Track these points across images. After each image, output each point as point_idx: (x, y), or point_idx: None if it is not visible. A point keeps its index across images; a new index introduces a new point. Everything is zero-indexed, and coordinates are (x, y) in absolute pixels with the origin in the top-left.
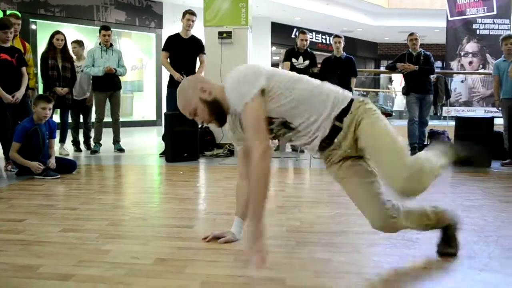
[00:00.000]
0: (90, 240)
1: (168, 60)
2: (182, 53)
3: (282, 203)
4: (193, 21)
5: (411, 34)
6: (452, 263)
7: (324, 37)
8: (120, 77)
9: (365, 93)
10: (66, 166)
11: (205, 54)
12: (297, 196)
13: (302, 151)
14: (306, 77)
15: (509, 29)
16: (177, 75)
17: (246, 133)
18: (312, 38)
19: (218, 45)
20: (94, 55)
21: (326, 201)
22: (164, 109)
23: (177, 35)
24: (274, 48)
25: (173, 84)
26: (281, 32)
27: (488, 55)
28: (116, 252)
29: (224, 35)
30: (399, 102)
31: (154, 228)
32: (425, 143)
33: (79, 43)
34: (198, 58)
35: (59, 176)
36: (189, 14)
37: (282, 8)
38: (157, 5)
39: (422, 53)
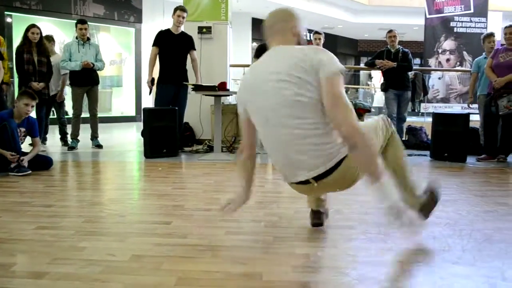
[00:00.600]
0: (66, 238)
1: (157, 56)
2: (173, 49)
3: (261, 198)
4: (183, 17)
5: (390, 31)
6: (427, 256)
7: (304, 33)
8: (98, 72)
9: (345, 89)
10: (41, 163)
11: (195, 50)
12: (276, 192)
13: None
14: None
15: (486, 28)
16: (148, 79)
17: (334, 100)
18: None
19: (197, 40)
20: (71, 50)
21: (304, 197)
22: (143, 105)
23: (168, 30)
24: (254, 43)
25: (163, 80)
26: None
27: (465, 53)
28: (92, 249)
29: (204, 30)
30: (379, 99)
31: (131, 225)
32: (403, 139)
33: (48, 39)
34: (189, 55)
35: (30, 172)
36: (179, 10)
37: (263, 4)
38: None
39: (401, 50)
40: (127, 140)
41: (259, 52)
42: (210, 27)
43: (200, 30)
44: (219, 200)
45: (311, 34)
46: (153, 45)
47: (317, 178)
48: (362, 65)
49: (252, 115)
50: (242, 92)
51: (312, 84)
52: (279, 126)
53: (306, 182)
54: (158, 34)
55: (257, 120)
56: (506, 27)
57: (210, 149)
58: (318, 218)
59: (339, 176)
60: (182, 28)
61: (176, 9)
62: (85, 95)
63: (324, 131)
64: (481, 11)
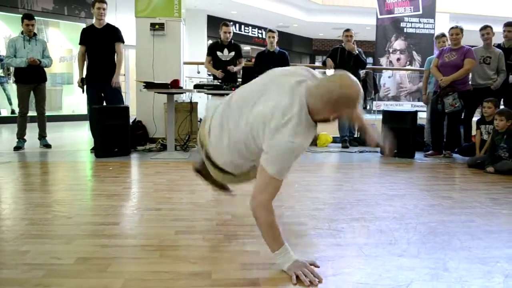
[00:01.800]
0: (8, 242)
1: (86, 55)
2: (98, 44)
3: (213, 197)
4: (104, 9)
5: (347, 30)
6: (374, 250)
7: (260, 31)
8: (46, 69)
9: None
10: None
11: (123, 42)
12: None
13: None
14: None
15: (434, 28)
16: (78, 79)
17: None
18: (248, 32)
19: (150, 37)
20: (16, 45)
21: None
22: None
23: (91, 26)
24: (210, 41)
25: (90, 79)
26: (217, 26)
27: (414, 52)
28: (36, 253)
29: (157, 26)
30: None
31: (78, 227)
32: (355, 136)
33: None
34: (115, 48)
35: None
36: (98, 2)
37: (218, 1)
38: None
39: (355, 49)
40: (78, 139)
41: (211, 49)
42: (163, 24)
43: (153, 26)
44: (171, 200)
45: (266, 32)
46: (79, 44)
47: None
48: (317, 64)
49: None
50: None
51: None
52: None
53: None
54: (82, 32)
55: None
56: (451, 28)
57: (164, 147)
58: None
59: None
60: (106, 21)
61: (94, 2)
62: (31, 93)
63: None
64: (429, 12)
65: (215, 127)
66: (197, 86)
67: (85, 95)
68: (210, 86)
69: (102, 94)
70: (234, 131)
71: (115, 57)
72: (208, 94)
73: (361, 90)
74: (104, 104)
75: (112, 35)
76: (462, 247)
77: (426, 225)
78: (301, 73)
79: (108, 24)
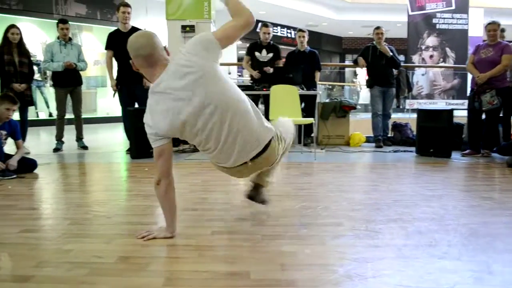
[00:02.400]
0: (51, 240)
1: (114, 59)
2: (124, 47)
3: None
4: (128, 13)
5: (377, 28)
6: (414, 251)
7: (289, 31)
8: (81, 72)
9: (330, 86)
10: (26, 165)
11: None
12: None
13: None
14: None
15: (467, 24)
16: (112, 83)
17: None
18: (277, 32)
19: (181, 39)
20: (53, 50)
21: (292, 195)
22: None
23: (117, 30)
24: (239, 42)
25: (120, 82)
26: None
27: (448, 49)
28: (78, 251)
29: (187, 29)
30: (364, 96)
31: (118, 226)
32: (389, 135)
33: None
34: None
35: (15, 176)
36: (122, 6)
37: (246, 2)
38: None
39: (387, 46)
40: (113, 141)
41: (250, 49)
42: (193, 26)
43: (184, 28)
44: (206, 200)
45: (295, 32)
46: (106, 49)
47: (252, 158)
48: (347, 62)
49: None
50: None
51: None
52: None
53: (243, 163)
54: (108, 36)
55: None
56: (488, 24)
57: (197, 148)
58: (255, 190)
59: (266, 155)
60: (131, 24)
61: (118, 6)
62: (68, 96)
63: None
64: (463, 7)
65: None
66: None
67: (117, 98)
68: (241, 87)
69: (134, 96)
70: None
71: None
72: None
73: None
74: (136, 105)
75: None
76: (506, 249)
77: (466, 227)
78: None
79: (133, 27)
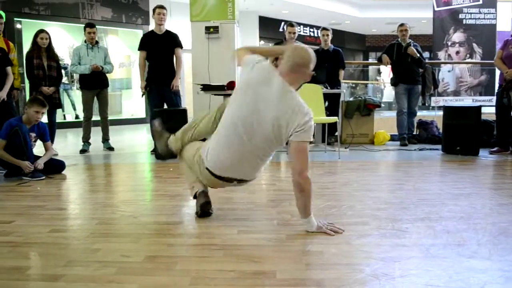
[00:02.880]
0: (79, 240)
1: (146, 59)
2: (158, 49)
3: (273, 197)
4: (164, 15)
5: (402, 25)
6: (442, 251)
7: (312, 30)
8: (107, 75)
9: (354, 85)
10: (54, 166)
11: (181, 48)
12: (288, 190)
13: None
14: None
15: (495, 18)
16: (142, 84)
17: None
18: (300, 32)
19: (205, 40)
20: (80, 53)
21: (316, 194)
22: None
23: (152, 32)
24: (262, 42)
25: (151, 83)
26: (269, 26)
27: (474, 45)
28: (106, 251)
29: (211, 30)
30: (388, 94)
31: (144, 226)
32: (414, 133)
33: None
34: (174, 53)
35: (44, 177)
36: (158, 8)
37: (269, 1)
38: (143, 1)
39: (412, 44)
40: (138, 142)
41: None
42: (217, 27)
43: (208, 30)
44: (231, 200)
45: (319, 31)
46: (139, 49)
47: (240, 181)
48: (370, 60)
49: (241, 107)
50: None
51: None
52: (254, 141)
53: (228, 180)
54: (142, 37)
55: (241, 116)
56: None
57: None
58: (206, 197)
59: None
60: (165, 27)
61: (155, 8)
62: (95, 98)
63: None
64: (490, 2)
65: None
66: None
67: (143, 99)
68: None
69: (163, 97)
70: (249, 145)
71: (176, 61)
72: None
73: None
74: (165, 106)
75: (172, 41)
76: None
77: (496, 226)
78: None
79: (167, 30)
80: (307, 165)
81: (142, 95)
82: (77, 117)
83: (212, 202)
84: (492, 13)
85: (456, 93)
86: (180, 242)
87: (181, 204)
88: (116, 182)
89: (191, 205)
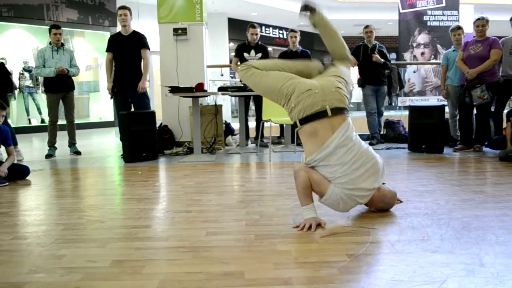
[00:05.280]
0: (44, 246)
1: (113, 61)
2: (125, 51)
3: (242, 198)
4: (125, 15)
5: (367, 26)
6: (407, 246)
7: (281, 32)
8: (73, 78)
9: None
10: (18, 172)
11: (148, 49)
12: (258, 190)
13: (265, 146)
14: None
15: (458, 20)
16: (109, 86)
17: None
18: (269, 33)
19: (173, 42)
20: (45, 56)
21: (285, 194)
22: None
23: (118, 33)
24: (231, 44)
25: (118, 85)
26: (238, 28)
27: (439, 46)
28: (72, 256)
29: (179, 31)
30: (357, 94)
31: (111, 230)
32: (382, 132)
33: None
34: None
35: (7, 183)
36: (120, 9)
37: (238, 3)
38: (110, 2)
39: (377, 46)
40: (106, 146)
41: (238, 50)
42: (185, 29)
43: (176, 31)
44: (200, 202)
45: (287, 32)
46: (106, 51)
47: None
48: None
49: None
50: None
51: None
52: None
53: None
54: (109, 39)
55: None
56: (476, 20)
57: (190, 151)
58: None
59: None
60: (132, 28)
61: (118, 10)
62: (60, 102)
63: None
64: (453, 4)
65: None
66: (221, 89)
67: (111, 102)
68: (234, 88)
69: (130, 100)
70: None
71: (141, 63)
72: (232, 96)
73: None
74: (132, 109)
75: (138, 42)
76: (497, 241)
77: (459, 221)
78: None
79: (134, 31)
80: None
81: (111, 98)
82: (42, 121)
83: (181, 205)
84: (455, 15)
85: (422, 93)
86: (148, 246)
87: (149, 207)
88: (83, 186)
89: (159, 208)
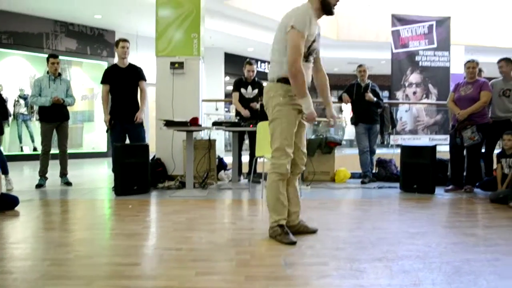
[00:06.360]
0: (29, 283)
1: (109, 94)
2: (122, 83)
3: (233, 236)
4: (127, 48)
5: (360, 66)
6: None
7: None
8: (68, 107)
9: (316, 122)
10: (6, 202)
11: (145, 81)
12: (249, 228)
13: (257, 182)
14: None
15: (449, 61)
16: (106, 118)
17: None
18: (265, 69)
19: (170, 75)
20: (41, 85)
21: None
22: None
23: (115, 66)
24: (227, 78)
25: (114, 117)
26: (234, 62)
27: (430, 86)
28: None
29: (176, 65)
30: (350, 131)
31: (99, 267)
32: (374, 171)
33: None
34: (138, 86)
35: None
36: (122, 41)
37: (235, 39)
38: (109, 33)
39: (370, 84)
40: (97, 177)
41: (237, 85)
42: (182, 63)
43: (173, 65)
44: (190, 239)
45: None
46: (102, 83)
47: None
48: (332, 99)
49: None
50: None
51: None
52: None
53: None
54: (105, 71)
55: None
56: (467, 62)
57: (182, 185)
58: None
59: None
60: (129, 60)
61: (118, 42)
62: (54, 131)
63: None
64: (444, 45)
65: None
66: (216, 124)
67: (105, 132)
68: (228, 123)
69: (126, 132)
70: None
71: (138, 95)
72: (226, 131)
73: None
74: (127, 141)
75: (136, 74)
76: (489, 287)
77: (450, 265)
78: None
79: (131, 64)
80: (296, 56)
81: (107, 130)
82: (35, 149)
83: (171, 242)
84: (446, 56)
85: (414, 131)
86: (136, 285)
87: (138, 243)
88: (72, 219)
89: (149, 245)
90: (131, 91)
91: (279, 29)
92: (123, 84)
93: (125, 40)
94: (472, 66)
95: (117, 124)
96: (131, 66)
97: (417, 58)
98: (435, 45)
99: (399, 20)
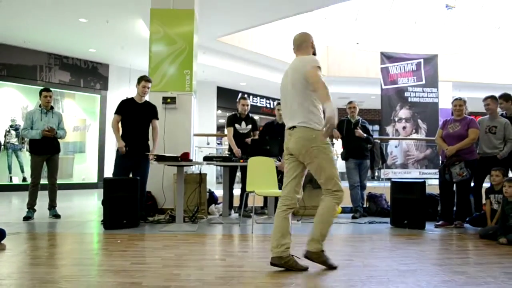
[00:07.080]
0: None
1: (120, 124)
2: (135, 117)
3: (222, 273)
4: (148, 88)
5: (350, 102)
6: None
7: (268, 101)
8: (59, 140)
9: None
10: None
11: (158, 119)
12: (238, 266)
13: (248, 216)
14: None
15: (437, 97)
16: (121, 144)
17: None
18: (257, 103)
19: (162, 109)
20: (33, 118)
21: (266, 270)
22: (106, 171)
23: (131, 99)
24: (219, 111)
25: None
26: (226, 96)
27: (419, 121)
28: None
29: (168, 100)
30: (341, 165)
31: None
32: (364, 206)
33: None
34: (151, 124)
35: None
36: (144, 81)
37: (228, 74)
38: (103, 67)
39: (360, 121)
40: (87, 209)
41: (231, 121)
42: (174, 98)
43: (165, 100)
44: (179, 277)
45: (275, 103)
46: (115, 113)
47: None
48: None
49: None
50: None
51: None
52: None
53: None
54: (121, 103)
55: None
56: (454, 100)
57: (172, 219)
58: None
59: None
60: (146, 98)
61: (141, 79)
62: (44, 163)
63: None
64: (432, 82)
65: None
66: (207, 158)
67: (95, 164)
68: (219, 158)
69: (132, 165)
70: None
71: (152, 131)
72: (217, 166)
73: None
74: (131, 175)
75: (151, 111)
76: None
77: None
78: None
79: (147, 101)
80: (324, 83)
81: (119, 157)
82: (24, 179)
83: (159, 280)
84: (434, 92)
85: (404, 165)
86: None
87: (126, 281)
88: (59, 254)
89: (136, 282)
90: (143, 127)
91: (293, 82)
92: (137, 119)
93: (148, 80)
94: (459, 104)
95: (126, 157)
96: (147, 103)
97: (406, 94)
98: (423, 82)
99: (387, 57)
